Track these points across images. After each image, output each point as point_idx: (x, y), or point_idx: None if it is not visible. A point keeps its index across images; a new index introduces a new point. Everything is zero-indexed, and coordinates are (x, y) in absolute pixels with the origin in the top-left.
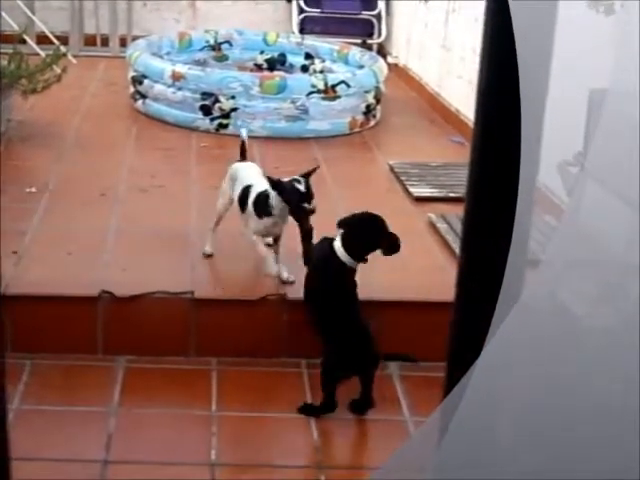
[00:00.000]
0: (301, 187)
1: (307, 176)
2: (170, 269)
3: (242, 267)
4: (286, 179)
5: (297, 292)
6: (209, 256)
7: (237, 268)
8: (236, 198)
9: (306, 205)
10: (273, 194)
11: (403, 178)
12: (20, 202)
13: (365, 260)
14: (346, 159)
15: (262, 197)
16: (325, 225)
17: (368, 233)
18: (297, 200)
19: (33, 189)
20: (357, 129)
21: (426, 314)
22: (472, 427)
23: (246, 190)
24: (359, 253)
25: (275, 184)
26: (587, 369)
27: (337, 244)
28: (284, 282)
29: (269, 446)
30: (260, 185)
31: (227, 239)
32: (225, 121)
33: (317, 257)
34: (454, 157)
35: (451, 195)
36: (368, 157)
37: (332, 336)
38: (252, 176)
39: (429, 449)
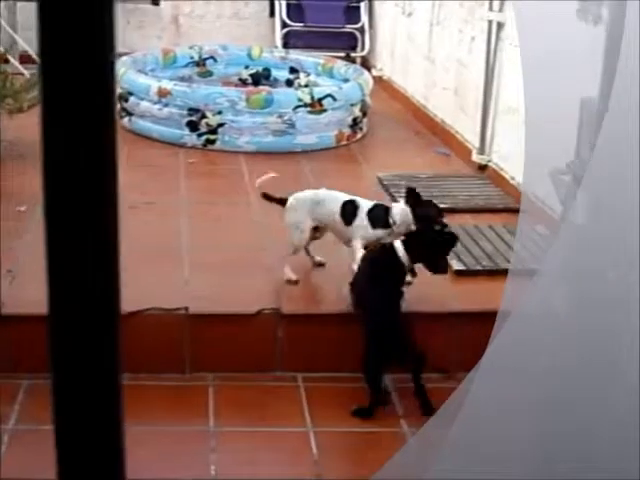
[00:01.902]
0: (436, 207)
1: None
2: (163, 285)
3: (237, 282)
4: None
5: (292, 306)
6: (295, 282)
7: (232, 283)
8: (337, 216)
9: (436, 226)
10: (397, 208)
11: (392, 190)
12: (11, 220)
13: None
14: (334, 172)
15: (379, 209)
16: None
17: (435, 247)
18: (431, 218)
19: (23, 208)
20: (344, 142)
21: (418, 325)
22: (472, 432)
23: (348, 205)
24: (418, 259)
25: (412, 198)
26: (581, 373)
27: (398, 245)
28: None
29: (268, 460)
30: (362, 200)
31: (221, 253)
32: (212, 137)
33: (377, 255)
34: (441, 168)
35: (441, 206)
36: (356, 170)
37: (376, 329)
38: (339, 194)
39: (424, 457)
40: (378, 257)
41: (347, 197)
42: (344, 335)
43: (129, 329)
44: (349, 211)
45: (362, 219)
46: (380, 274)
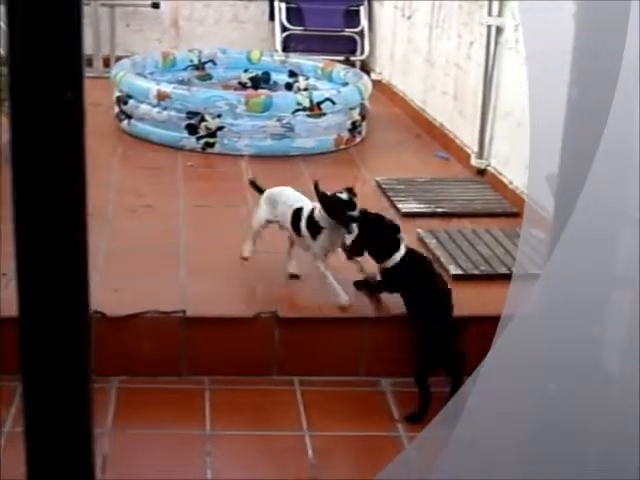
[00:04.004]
0: (343, 196)
1: (350, 190)
2: (161, 288)
3: (234, 285)
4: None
5: (289, 310)
6: (245, 259)
7: (229, 286)
8: (288, 223)
9: (351, 213)
10: (317, 209)
11: (390, 194)
12: (7, 224)
13: None
14: (333, 176)
15: (309, 217)
16: None
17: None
18: (340, 210)
19: None
20: (343, 146)
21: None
22: (474, 433)
23: (297, 213)
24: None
25: (320, 197)
26: (585, 377)
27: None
28: (343, 308)
29: (264, 464)
30: (309, 205)
31: (219, 256)
32: (211, 140)
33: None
34: (440, 172)
35: (439, 210)
36: (355, 174)
37: (429, 333)
38: (296, 197)
39: (425, 460)
40: (412, 262)
41: (299, 202)
42: (341, 339)
43: (126, 332)
44: (295, 221)
45: (305, 231)
46: (419, 278)
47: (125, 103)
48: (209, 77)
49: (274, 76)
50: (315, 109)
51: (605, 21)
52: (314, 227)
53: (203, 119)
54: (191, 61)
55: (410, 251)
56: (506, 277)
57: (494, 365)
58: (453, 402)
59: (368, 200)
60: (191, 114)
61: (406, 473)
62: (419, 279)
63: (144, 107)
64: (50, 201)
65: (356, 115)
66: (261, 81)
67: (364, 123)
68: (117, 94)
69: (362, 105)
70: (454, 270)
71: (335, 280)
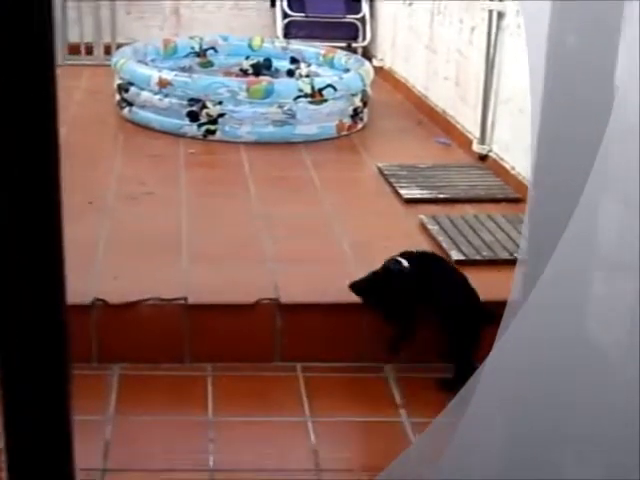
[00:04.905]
0: None
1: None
2: (162, 275)
3: (236, 272)
4: None
5: (291, 296)
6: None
7: (231, 273)
8: None
9: None
10: None
11: (392, 180)
12: None
13: None
14: (334, 163)
15: None
16: (314, 228)
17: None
18: None
19: None
20: (345, 132)
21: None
22: (480, 427)
23: None
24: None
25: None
26: (591, 370)
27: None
28: None
29: (267, 450)
30: None
31: (221, 243)
32: (213, 127)
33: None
34: (442, 158)
35: (441, 196)
36: (356, 160)
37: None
38: None
39: (432, 453)
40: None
41: None
42: (343, 325)
43: (128, 319)
44: None
45: None
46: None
47: (126, 91)
48: (210, 64)
49: (275, 63)
50: (317, 95)
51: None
52: None
53: (204, 106)
54: (192, 48)
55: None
56: (508, 262)
57: (498, 360)
58: (459, 397)
59: (370, 186)
60: (192, 101)
61: (409, 466)
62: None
63: (145, 94)
64: (20, 185)
65: (358, 101)
66: (262, 68)
67: (366, 109)
68: (118, 82)
69: (364, 91)
70: (456, 255)
71: None
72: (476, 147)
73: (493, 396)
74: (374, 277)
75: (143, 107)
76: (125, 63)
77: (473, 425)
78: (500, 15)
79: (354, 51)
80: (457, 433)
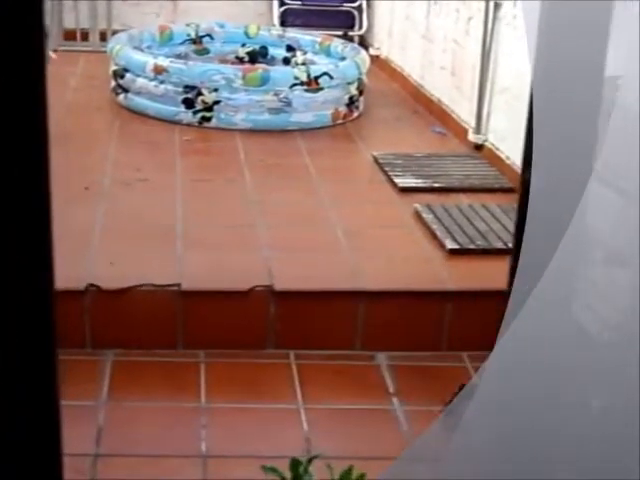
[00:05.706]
0: None
1: None
2: (157, 262)
3: (230, 258)
4: None
5: (285, 283)
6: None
7: (225, 260)
8: None
9: None
10: None
11: (387, 169)
12: None
13: None
14: (330, 151)
15: None
16: (309, 216)
17: None
18: None
19: None
20: (340, 121)
21: (413, 304)
22: (481, 426)
23: None
24: None
25: None
26: (593, 369)
27: None
28: None
29: (259, 437)
30: None
31: (215, 230)
32: (208, 114)
33: None
34: (437, 147)
35: (436, 185)
36: (352, 148)
37: None
38: None
39: (435, 451)
40: None
41: None
42: (337, 312)
43: (121, 305)
44: None
45: None
46: None
47: (122, 77)
48: (206, 51)
49: (272, 50)
50: (312, 83)
51: None
52: None
53: (200, 93)
54: (188, 35)
55: None
56: (502, 252)
57: (501, 357)
58: (459, 397)
59: (365, 175)
60: (188, 88)
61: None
62: None
63: (141, 81)
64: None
65: (354, 90)
66: (259, 55)
67: (362, 98)
68: (114, 68)
69: (360, 80)
70: (450, 244)
71: None
72: (471, 137)
73: (493, 396)
74: None
75: (138, 94)
76: (121, 49)
77: (473, 425)
78: (497, 5)
79: (351, 40)
80: (457, 433)
